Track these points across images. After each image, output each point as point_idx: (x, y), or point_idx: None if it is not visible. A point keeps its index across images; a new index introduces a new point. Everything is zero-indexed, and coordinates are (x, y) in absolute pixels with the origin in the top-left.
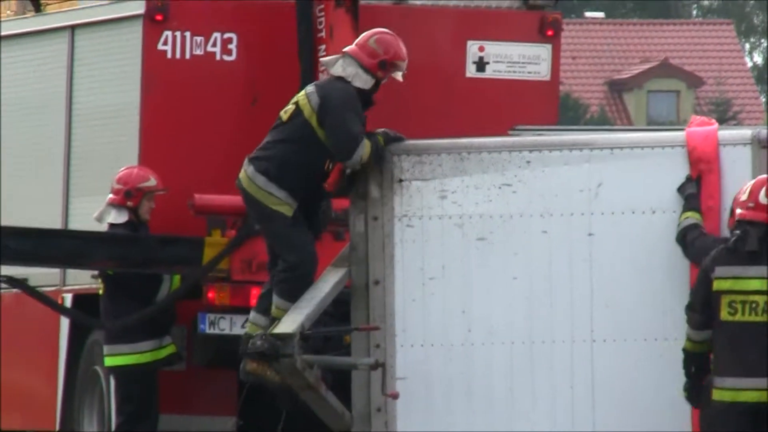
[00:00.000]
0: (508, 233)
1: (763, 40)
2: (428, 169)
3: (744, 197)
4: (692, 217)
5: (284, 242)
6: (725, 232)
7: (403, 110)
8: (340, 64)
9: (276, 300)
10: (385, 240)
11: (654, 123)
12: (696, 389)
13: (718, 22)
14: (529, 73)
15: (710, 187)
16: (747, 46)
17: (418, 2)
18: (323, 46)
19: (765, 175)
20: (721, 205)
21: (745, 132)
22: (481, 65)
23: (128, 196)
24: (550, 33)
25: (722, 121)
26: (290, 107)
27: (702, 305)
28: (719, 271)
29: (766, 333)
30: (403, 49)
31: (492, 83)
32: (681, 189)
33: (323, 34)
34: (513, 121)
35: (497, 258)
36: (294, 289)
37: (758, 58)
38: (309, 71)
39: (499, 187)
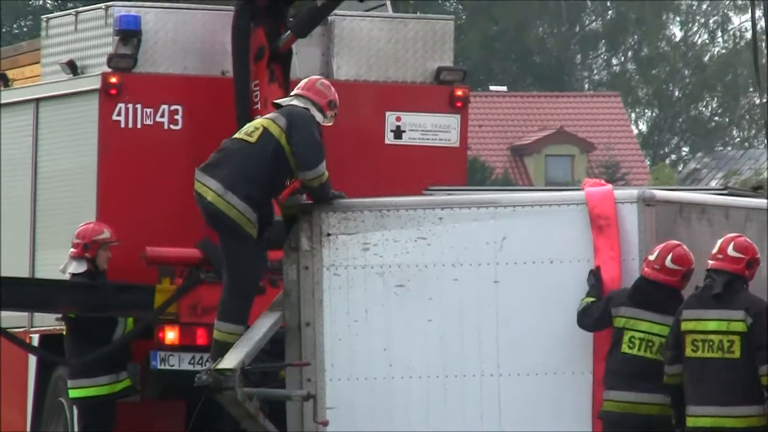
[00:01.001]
0: (423, 281)
1: (646, 110)
2: (353, 225)
3: (714, 250)
4: (589, 301)
5: (240, 265)
6: (626, 279)
7: (331, 172)
8: (296, 102)
9: (218, 323)
10: (314, 287)
11: (551, 183)
12: (678, 416)
13: (607, 94)
14: (441, 140)
15: (610, 239)
16: (633, 115)
17: (342, 77)
18: (258, 116)
19: (733, 234)
20: (621, 254)
21: (632, 192)
22: (398, 133)
23: (86, 248)
24: (459, 105)
25: (611, 182)
26: (255, 130)
27: (673, 344)
28: (686, 314)
29: (722, 368)
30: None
31: (408, 149)
32: (588, 279)
33: (258, 106)
34: (427, 182)
35: (414, 302)
36: (237, 313)
37: (643, 126)
38: None
39: (415, 241)
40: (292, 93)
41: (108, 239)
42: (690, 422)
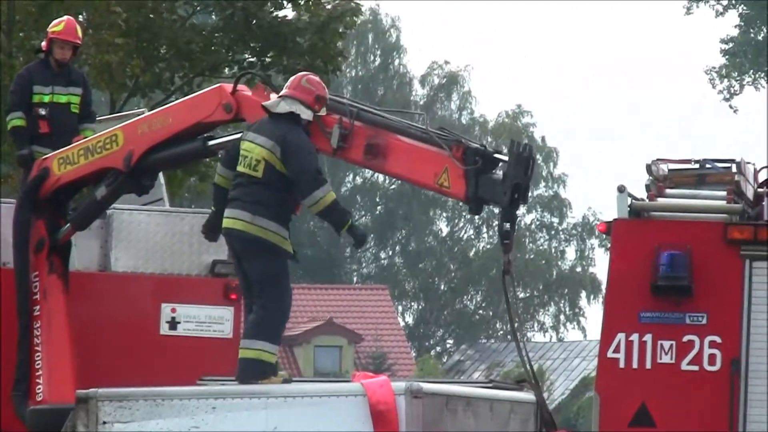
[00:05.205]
0: None
1: (413, 303)
2: (128, 413)
3: None
4: None
5: (280, 282)
6: None
7: (106, 363)
8: (283, 105)
9: (262, 344)
10: None
11: (320, 374)
12: None
13: (375, 287)
14: (215, 331)
15: (392, 424)
16: (399, 308)
17: (120, 269)
18: (38, 306)
19: None
20: None
21: (400, 384)
22: (173, 324)
23: None
24: (233, 296)
25: (378, 372)
26: (258, 164)
27: None
28: None
29: None
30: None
31: (183, 340)
32: None
33: (38, 296)
34: (201, 373)
35: None
36: (281, 332)
37: (409, 318)
38: (26, 327)
39: (189, 430)
40: (280, 94)
41: None
42: None
